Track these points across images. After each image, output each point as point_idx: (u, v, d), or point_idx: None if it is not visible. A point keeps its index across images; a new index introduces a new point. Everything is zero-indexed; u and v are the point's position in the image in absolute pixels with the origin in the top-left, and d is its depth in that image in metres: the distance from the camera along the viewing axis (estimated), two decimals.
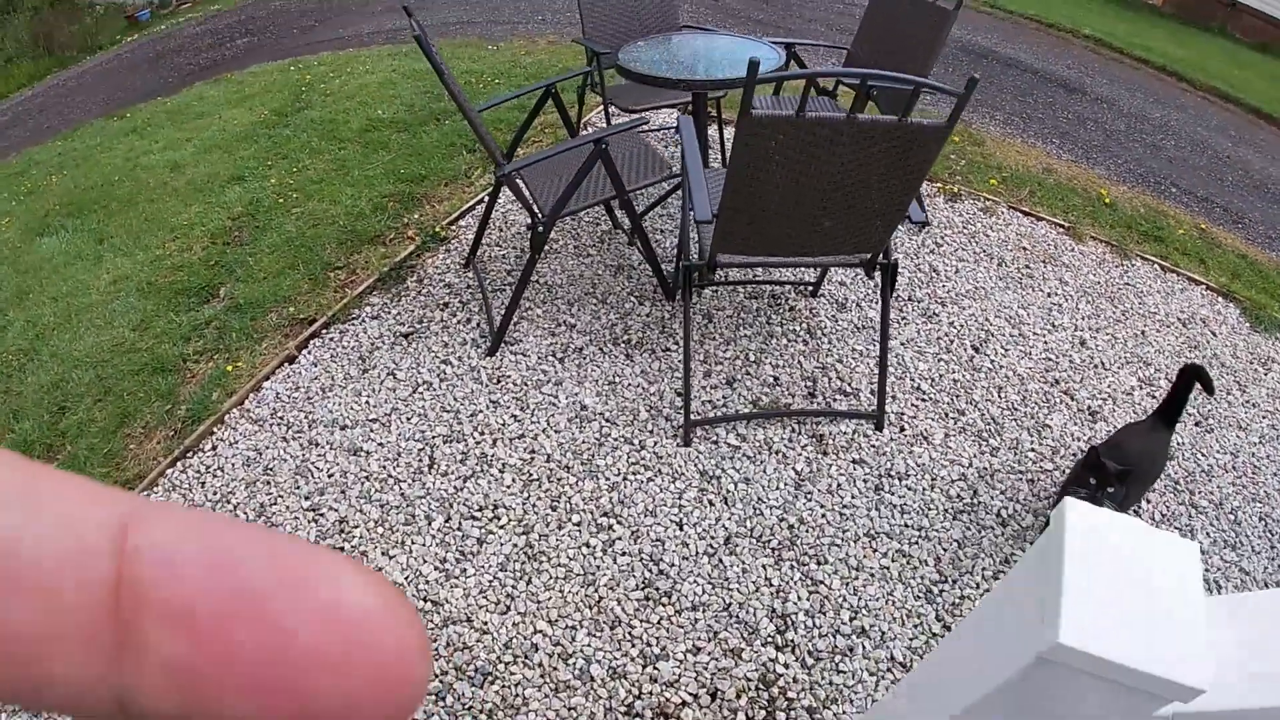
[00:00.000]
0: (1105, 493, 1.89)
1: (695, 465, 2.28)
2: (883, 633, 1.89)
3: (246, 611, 0.14)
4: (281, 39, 8.01)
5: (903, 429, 2.44)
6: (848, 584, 2.00)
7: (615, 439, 2.35)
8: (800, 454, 2.33)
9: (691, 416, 2.33)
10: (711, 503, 2.18)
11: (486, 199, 3.02)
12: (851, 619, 1.92)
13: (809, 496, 2.21)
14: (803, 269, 3.03)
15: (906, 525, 2.15)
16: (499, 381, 2.56)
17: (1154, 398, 2.71)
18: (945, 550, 2.10)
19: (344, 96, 5.04)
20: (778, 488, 2.23)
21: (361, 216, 3.50)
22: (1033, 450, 2.43)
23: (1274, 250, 4.35)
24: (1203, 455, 2.52)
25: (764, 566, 2.02)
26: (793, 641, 1.86)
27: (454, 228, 3.41)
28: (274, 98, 5.34)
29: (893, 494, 2.23)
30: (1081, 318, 3.06)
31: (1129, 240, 3.72)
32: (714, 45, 3.10)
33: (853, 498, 2.21)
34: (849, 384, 2.59)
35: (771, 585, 1.98)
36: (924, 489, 2.26)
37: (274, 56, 6.61)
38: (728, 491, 2.21)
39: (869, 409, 2.48)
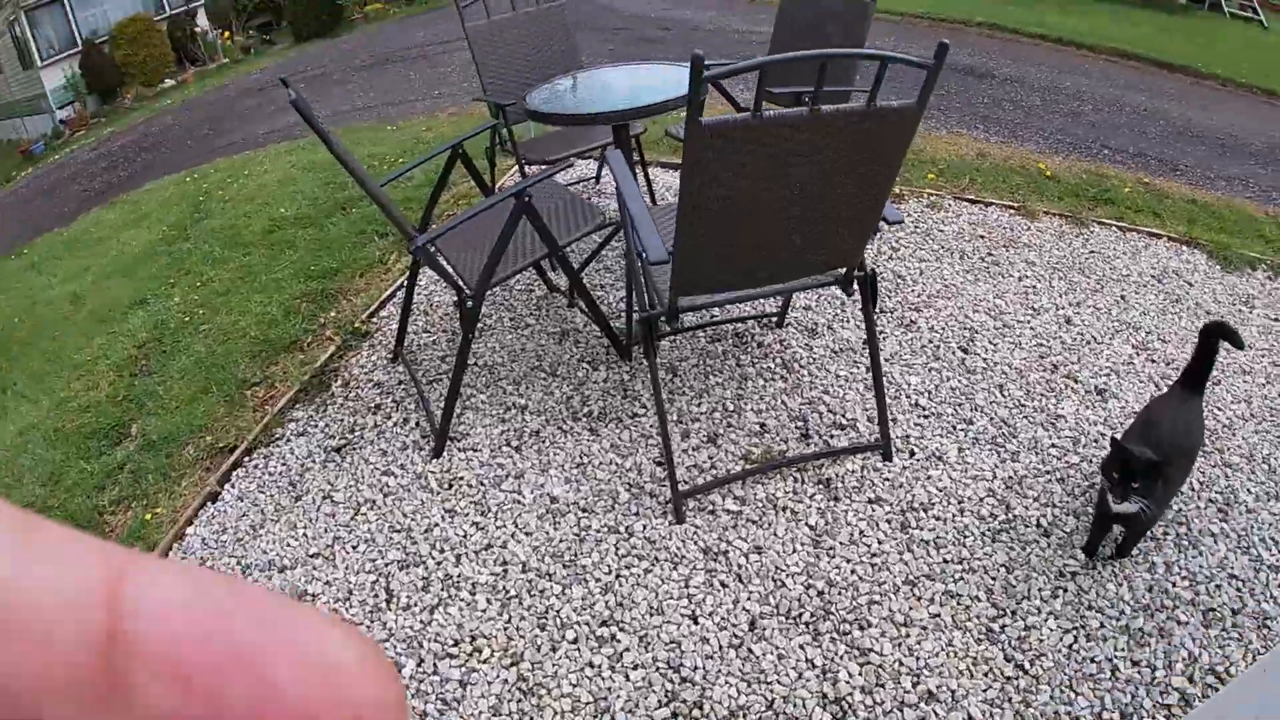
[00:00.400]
0: (1132, 487, 1.64)
1: (695, 543, 1.97)
2: (952, 692, 1.61)
3: (236, 665, 0.14)
4: (175, 153, 7.74)
5: (913, 453, 2.18)
6: (899, 645, 1.71)
7: (597, 530, 2.03)
8: (810, 506, 2.04)
9: (679, 487, 2.02)
10: (724, 584, 1.86)
11: (406, 283, 2.72)
12: (915, 685, 1.63)
13: (831, 553, 1.92)
14: (762, 300, 2.78)
15: (946, 561, 1.88)
16: (451, 486, 2.23)
17: (1154, 362, 2.55)
18: (994, 579, 1.83)
19: (243, 200, 4.78)
20: (794, 550, 1.93)
21: (274, 324, 3.17)
22: (1053, 446, 2.20)
23: (1217, 189, 4.33)
24: (1219, 410, 2.35)
25: (801, 646, 1.71)
26: None
27: (375, 320, 3.09)
28: (171, 212, 5.10)
29: (921, 529, 1.96)
30: (1059, 295, 2.91)
31: (1080, 208, 3.63)
32: (629, 74, 2.89)
33: (879, 543, 1.93)
34: (843, 415, 2.33)
35: (815, 667, 1.67)
36: (953, 515, 2.00)
37: (170, 170, 6.40)
38: (739, 567, 1.90)
39: (872, 439, 2.21)
